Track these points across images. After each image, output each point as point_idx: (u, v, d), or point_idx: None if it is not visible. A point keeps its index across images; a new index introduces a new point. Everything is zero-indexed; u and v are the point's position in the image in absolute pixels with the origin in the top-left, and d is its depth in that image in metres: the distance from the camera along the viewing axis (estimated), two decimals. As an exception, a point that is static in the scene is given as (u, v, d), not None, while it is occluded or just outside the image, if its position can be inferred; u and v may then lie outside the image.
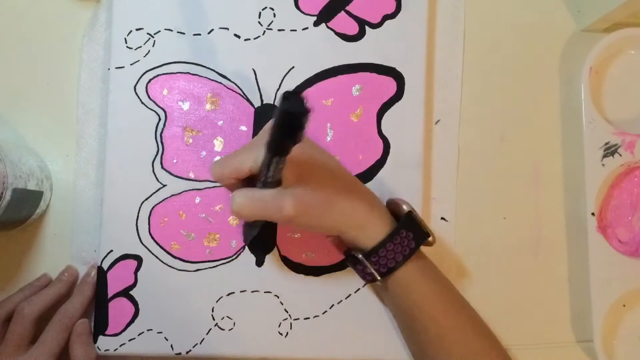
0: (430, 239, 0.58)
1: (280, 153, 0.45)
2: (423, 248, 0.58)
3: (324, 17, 0.64)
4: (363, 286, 0.63)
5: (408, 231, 0.56)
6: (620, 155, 0.65)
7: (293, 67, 0.63)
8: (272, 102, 0.63)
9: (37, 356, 0.55)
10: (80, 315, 0.59)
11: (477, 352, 0.56)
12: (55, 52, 0.65)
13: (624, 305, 0.67)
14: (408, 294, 0.57)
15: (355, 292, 0.63)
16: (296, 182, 0.51)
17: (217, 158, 0.60)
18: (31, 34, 0.65)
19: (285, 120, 0.40)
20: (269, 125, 0.54)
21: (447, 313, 0.57)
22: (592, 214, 0.65)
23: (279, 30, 0.63)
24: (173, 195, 0.62)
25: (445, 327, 0.56)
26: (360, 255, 0.56)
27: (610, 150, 0.65)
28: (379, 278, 0.56)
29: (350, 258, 0.57)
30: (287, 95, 0.39)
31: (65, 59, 0.65)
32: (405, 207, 0.58)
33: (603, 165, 0.65)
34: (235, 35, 0.63)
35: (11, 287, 0.63)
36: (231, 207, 0.50)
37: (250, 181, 0.52)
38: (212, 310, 0.61)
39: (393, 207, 0.59)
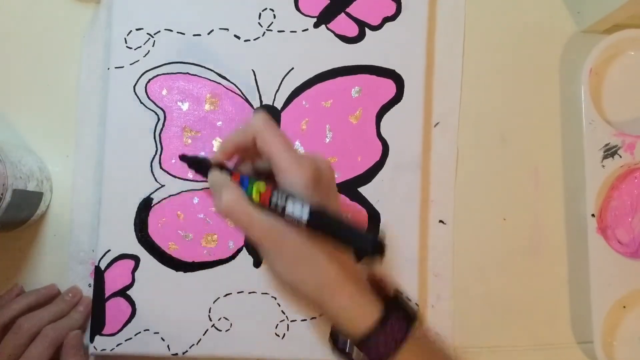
0: (419, 314, 0.50)
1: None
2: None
3: (324, 18, 0.64)
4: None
5: (398, 313, 0.48)
6: (620, 156, 0.65)
7: (292, 69, 0.63)
8: (271, 103, 0.63)
9: None
10: (66, 335, 0.58)
11: None
12: (56, 52, 0.65)
13: (624, 307, 0.66)
14: None
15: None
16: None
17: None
18: (31, 35, 0.65)
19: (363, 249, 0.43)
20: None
21: None
22: (592, 215, 0.64)
23: (278, 31, 0.63)
24: (171, 195, 0.62)
25: None
26: (352, 349, 0.50)
27: (610, 152, 0.65)
28: None
29: (335, 351, 0.51)
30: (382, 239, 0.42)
31: (66, 59, 0.65)
32: (392, 286, 0.51)
33: (603, 166, 0.65)
34: (235, 36, 0.63)
35: (11, 288, 0.63)
36: (217, 202, 0.48)
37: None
38: (209, 311, 0.61)
39: (374, 284, 0.52)
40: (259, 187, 0.47)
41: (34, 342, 0.56)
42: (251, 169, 0.52)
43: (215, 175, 0.51)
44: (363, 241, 0.42)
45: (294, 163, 0.47)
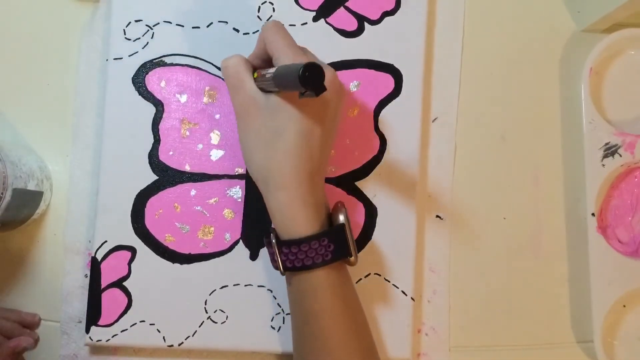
0: (351, 259, 0.54)
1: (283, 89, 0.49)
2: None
3: (323, 12, 0.64)
4: (356, 282, 0.62)
5: (330, 242, 0.52)
6: (621, 155, 0.65)
7: (291, 63, 0.63)
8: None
9: None
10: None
11: None
12: (56, 52, 0.65)
13: (624, 306, 0.66)
14: (311, 300, 0.53)
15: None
16: (282, 102, 0.52)
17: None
18: (31, 35, 0.65)
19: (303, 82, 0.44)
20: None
21: (341, 336, 0.53)
22: (592, 214, 0.64)
23: (278, 25, 0.64)
24: (168, 187, 0.62)
25: (333, 347, 0.53)
26: (273, 240, 0.53)
27: (610, 151, 0.65)
28: (281, 270, 0.53)
29: (266, 237, 0.55)
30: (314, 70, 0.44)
31: (65, 59, 0.65)
32: (341, 218, 0.54)
33: (603, 165, 0.65)
34: (234, 29, 0.63)
35: (11, 288, 0.63)
36: (225, 60, 0.55)
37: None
38: (205, 303, 0.61)
39: (334, 212, 0.55)
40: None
41: None
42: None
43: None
44: (294, 70, 0.44)
45: (293, 58, 0.51)
